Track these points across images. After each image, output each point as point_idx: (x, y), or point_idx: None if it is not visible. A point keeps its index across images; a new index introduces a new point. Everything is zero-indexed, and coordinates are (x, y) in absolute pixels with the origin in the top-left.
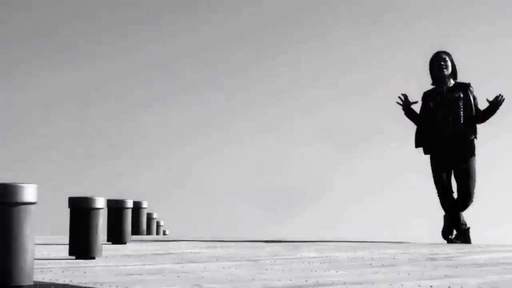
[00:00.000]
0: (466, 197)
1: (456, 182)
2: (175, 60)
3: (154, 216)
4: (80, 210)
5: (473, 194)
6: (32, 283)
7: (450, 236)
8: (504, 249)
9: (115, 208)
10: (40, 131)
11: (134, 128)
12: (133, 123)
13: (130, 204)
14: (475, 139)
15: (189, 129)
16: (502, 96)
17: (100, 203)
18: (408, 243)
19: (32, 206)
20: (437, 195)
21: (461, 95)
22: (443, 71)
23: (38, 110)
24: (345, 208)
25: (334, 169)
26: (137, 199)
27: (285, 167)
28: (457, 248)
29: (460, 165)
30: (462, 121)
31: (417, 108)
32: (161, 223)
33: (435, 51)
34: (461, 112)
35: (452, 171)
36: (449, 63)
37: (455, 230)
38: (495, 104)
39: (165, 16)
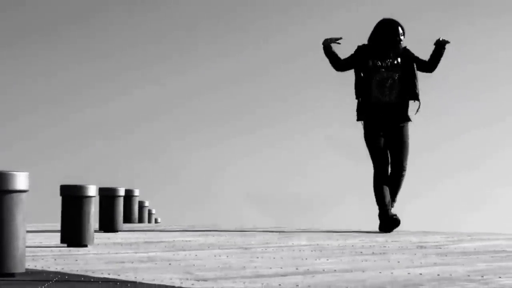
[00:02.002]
0: (399, 169)
1: (389, 151)
2: (185, 65)
3: (146, 204)
4: (72, 198)
5: (406, 165)
6: (24, 271)
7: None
8: (493, 237)
9: (107, 196)
10: (32, 119)
11: (128, 117)
12: (127, 112)
13: (122, 192)
14: (415, 102)
15: (185, 120)
16: (441, 39)
17: (92, 191)
18: (398, 231)
19: (23, 194)
20: (373, 168)
21: (400, 60)
22: (399, 42)
23: (31, 99)
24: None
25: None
26: (129, 187)
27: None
28: (446, 236)
29: (395, 133)
30: (399, 89)
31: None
32: (153, 211)
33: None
34: (400, 79)
35: (387, 140)
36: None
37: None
38: (440, 44)
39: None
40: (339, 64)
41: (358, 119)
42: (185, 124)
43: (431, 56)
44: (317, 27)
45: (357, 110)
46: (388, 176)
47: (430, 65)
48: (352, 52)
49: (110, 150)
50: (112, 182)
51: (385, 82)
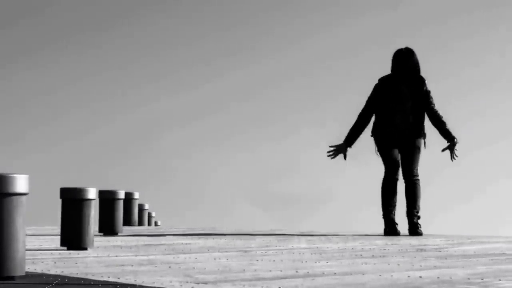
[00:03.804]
0: (410, 173)
1: (401, 159)
2: (183, 62)
3: (146, 207)
4: (72, 200)
5: (417, 171)
6: (23, 274)
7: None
8: (492, 240)
9: (107, 199)
10: (32, 122)
11: (128, 120)
12: (128, 116)
13: (121, 195)
14: (423, 136)
15: (186, 124)
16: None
17: (92, 194)
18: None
19: (23, 197)
20: (384, 173)
21: (415, 90)
22: (407, 66)
23: (32, 103)
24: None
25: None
26: (128, 190)
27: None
28: (446, 239)
29: (408, 145)
30: (413, 118)
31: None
32: (153, 214)
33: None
34: (413, 106)
35: (400, 150)
36: (413, 60)
37: (410, 219)
38: (452, 144)
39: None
40: (369, 115)
41: (371, 135)
42: (185, 127)
43: (440, 131)
44: (342, 31)
45: (373, 133)
46: (396, 181)
47: (432, 117)
48: (372, 88)
49: (110, 153)
50: (112, 185)
51: (399, 119)
